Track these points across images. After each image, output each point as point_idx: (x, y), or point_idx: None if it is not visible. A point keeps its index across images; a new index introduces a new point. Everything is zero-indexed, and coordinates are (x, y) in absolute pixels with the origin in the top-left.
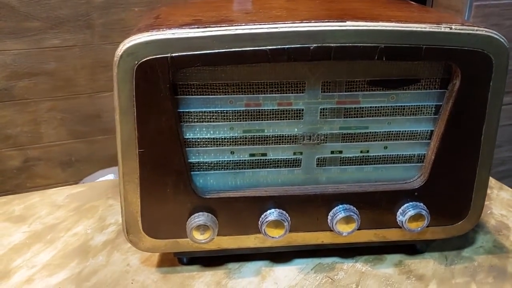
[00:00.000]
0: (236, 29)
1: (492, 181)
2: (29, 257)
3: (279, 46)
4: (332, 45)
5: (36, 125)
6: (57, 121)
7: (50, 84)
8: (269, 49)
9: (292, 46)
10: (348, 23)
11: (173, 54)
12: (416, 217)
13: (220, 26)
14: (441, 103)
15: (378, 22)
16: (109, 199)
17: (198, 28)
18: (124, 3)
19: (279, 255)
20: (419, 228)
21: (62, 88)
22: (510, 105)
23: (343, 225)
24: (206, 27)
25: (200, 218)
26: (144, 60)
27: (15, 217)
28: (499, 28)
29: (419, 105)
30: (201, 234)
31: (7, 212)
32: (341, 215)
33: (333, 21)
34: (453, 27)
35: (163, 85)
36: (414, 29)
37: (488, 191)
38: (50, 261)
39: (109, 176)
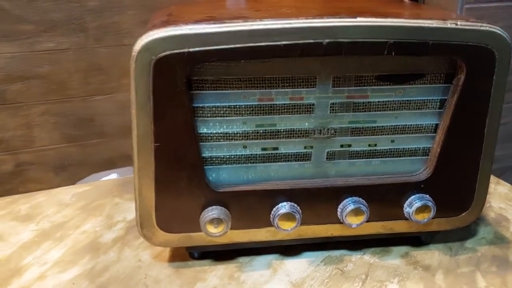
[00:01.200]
0: (252, 25)
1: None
2: (40, 255)
3: (293, 42)
4: (344, 40)
5: (29, 129)
6: (50, 124)
7: (43, 88)
8: (284, 44)
9: (306, 41)
10: (359, 19)
11: (190, 49)
12: (422, 209)
13: (236, 22)
14: (446, 97)
15: (387, 18)
16: (115, 197)
17: (214, 23)
18: (118, 6)
19: (289, 249)
20: (425, 219)
21: (55, 91)
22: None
23: (352, 217)
24: (222, 23)
25: (213, 211)
26: (161, 55)
27: (22, 216)
28: None
29: (425, 99)
30: (215, 227)
31: (13, 211)
32: (351, 207)
33: (345, 17)
34: (458, 23)
35: (180, 80)
36: (422, 25)
37: None
38: (61, 258)
39: (112, 176)
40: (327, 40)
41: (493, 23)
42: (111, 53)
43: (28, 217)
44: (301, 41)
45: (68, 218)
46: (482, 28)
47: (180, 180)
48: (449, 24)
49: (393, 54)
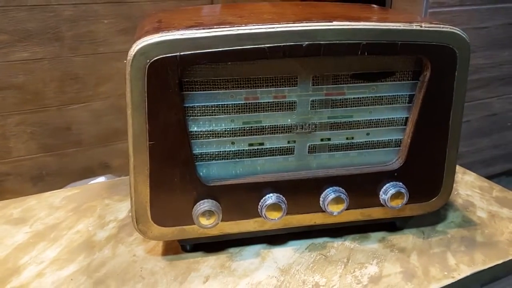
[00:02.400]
0: (238, 30)
1: (456, 166)
2: (36, 254)
3: (276, 44)
4: (322, 42)
5: (5, 140)
6: (27, 135)
7: (18, 98)
8: (267, 46)
9: (287, 43)
10: (335, 23)
11: (182, 53)
12: (396, 195)
13: (224, 27)
14: (414, 93)
15: (360, 22)
16: (104, 199)
17: (204, 29)
18: (94, 16)
19: (275, 238)
20: (399, 205)
21: (31, 101)
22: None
23: (333, 206)
24: (211, 28)
25: (205, 204)
26: (155, 59)
27: (14, 220)
28: None
29: (395, 95)
30: (207, 219)
31: (5, 216)
32: (332, 196)
33: (322, 21)
34: (423, 25)
35: (172, 81)
36: (391, 27)
37: None
38: (58, 256)
39: (100, 179)
40: (306, 42)
41: (454, 25)
42: (87, 62)
43: (21, 220)
44: (283, 44)
45: (61, 219)
46: (444, 29)
47: (173, 176)
48: (415, 26)
49: (366, 54)
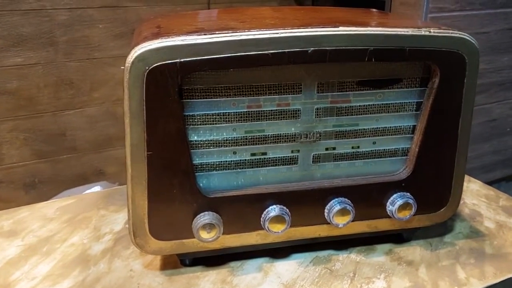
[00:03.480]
0: (241, 35)
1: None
2: (28, 270)
3: (280, 50)
4: (327, 48)
5: None
6: (20, 141)
7: (12, 104)
8: (271, 52)
9: (292, 50)
10: (341, 28)
11: (182, 60)
12: (404, 206)
13: (226, 33)
14: (421, 100)
15: (367, 27)
16: (100, 209)
17: (205, 35)
18: (88, 20)
19: (278, 251)
20: (407, 217)
21: (24, 107)
22: None
23: (339, 217)
24: (212, 34)
25: (206, 217)
26: (154, 65)
27: (6, 232)
28: None
29: (402, 102)
30: (207, 232)
31: None
32: (337, 207)
33: (328, 27)
34: (431, 30)
35: (172, 89)
36: (399, 33)
37: None
38: (51, 271)
39: (96, 188)
40: (312, 48)
41: (450, 27)
42: (81, 67)
43: (12, 232)
44: (288, 50)
45: (54, 232)
46: (453, 35)
47: (172, 187)
48: (424, 32)
49: (373, 60)
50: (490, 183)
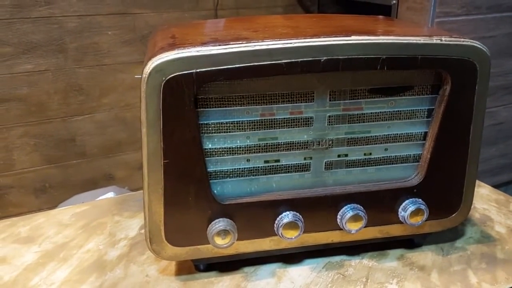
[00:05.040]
0: (255, 45)
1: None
2: (46, 275)
3: (294, 60)
4: (340, 57)
5: (8, 152)
6: (30, 147)
7: (22, 110)
8: (285, 62)
9: (305, 59)
10: (353, 37)
11: (198, 70)
12: (416, 212)
13: (240, 43)
14: (433, 107)
15: (379, 36)
16: (114, 215)
17: (220, 45)
18: (97, 27)
19: (291, 257)
20: (419, 222)
21: (34, 113)
22: None
23: (351, 223)
24: (227, 44)
25: (220, 223)
26: (171, 76)
27: (23, 238)
28: None
29: (414, 109)
30: (222, 239)
31: (13, 234)
32: (350, 213)
33: (340, 36)
34: (443, 39)
35: (188, 99)
36: (411, 41)
37: None
38: (68, 277)
39: (109, 194)
40: (325, 57)
41: (461, 35)
42: (90, 73)
43: (30, 239)
44: (301, 59)
45: (70, 238)
46: (464, 43)
47: (187, 194)
48: (435, 40)
49: (385, 68)
50: (497, 186)
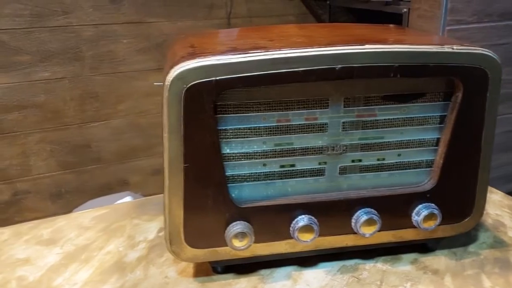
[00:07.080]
0: (273, 54)
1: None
2: (69, 276)
3: (310, 68)
4: (354, 65)
5: (25, 158)
6: (47, 152)
7: (39, 116)
8: (301, 70)
9: (321, 67)
10: (367, 46)
11: (218, 78)
12: (429, 217)
13: (259, 52)
14: (445, 114)
15: (392, 44)
16: (133, 219)
17: (239, 54)
18: (113, 36)
19: (306, 260)
20: (432, 226)
21: (51, 119)
22: None
23: (366, 227)
24: (246, 53)
25: (238, 226)
26: (192, 83)
27: (45, 240)
28: None
29: (426, 116)
30: (239, 241)
31: (36, 236)
32: (364, 218)
33: (355, 45)
34: (454, 47)
35: (208, 105)
36: (423, 50)
37: None
38: (90, 278)
39: (127, 199)
40: (339, 66)
41: (472, 42)
42: (106, 81)
43: (52, 241)
44: (317, 67)
45: (91, 240)
46: (475, 51)
47: (206, 197)
48: (446, 48)
49: (398, 76)
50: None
